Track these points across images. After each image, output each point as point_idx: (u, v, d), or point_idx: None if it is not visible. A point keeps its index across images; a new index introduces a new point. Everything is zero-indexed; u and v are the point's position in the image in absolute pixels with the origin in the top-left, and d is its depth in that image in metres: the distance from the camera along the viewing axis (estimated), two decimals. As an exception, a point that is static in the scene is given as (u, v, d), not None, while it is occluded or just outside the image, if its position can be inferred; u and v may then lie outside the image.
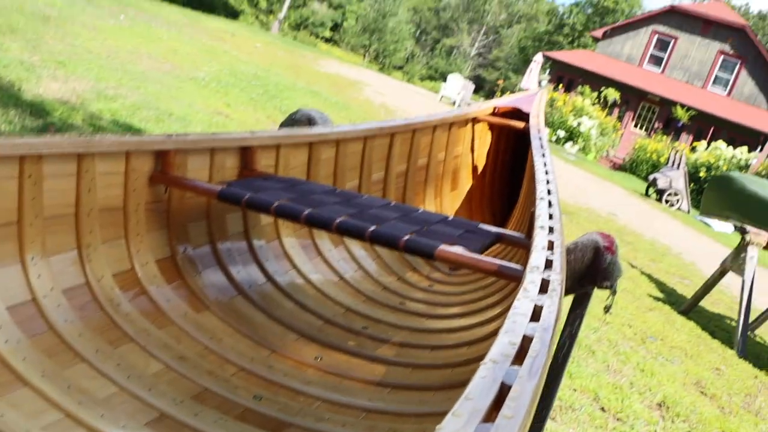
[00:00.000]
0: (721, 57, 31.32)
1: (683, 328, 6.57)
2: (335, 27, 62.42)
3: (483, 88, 68.05)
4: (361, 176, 2.66)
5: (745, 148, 26.21)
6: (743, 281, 6.59)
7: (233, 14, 42.78)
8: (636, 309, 6.59)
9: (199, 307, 1.99)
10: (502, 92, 39.02)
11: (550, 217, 1.82)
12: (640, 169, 26.58)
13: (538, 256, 1.40)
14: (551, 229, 1.68)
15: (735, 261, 6.75)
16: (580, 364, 4.47)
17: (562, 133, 27.72)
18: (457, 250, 1.63)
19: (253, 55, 16.25)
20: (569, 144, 27.50)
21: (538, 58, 28.55)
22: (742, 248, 6.68)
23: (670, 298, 7.73)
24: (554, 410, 3.76)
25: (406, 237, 1.66)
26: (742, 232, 6.69)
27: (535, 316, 1.05)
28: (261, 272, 2.19)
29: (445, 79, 29.72)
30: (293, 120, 2.71)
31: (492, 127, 3.48)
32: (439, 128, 3.07)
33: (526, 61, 31.03)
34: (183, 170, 2.01)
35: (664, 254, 10.52)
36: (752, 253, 6.56)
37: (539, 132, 2.88)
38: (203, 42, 14.96)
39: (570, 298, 2.40)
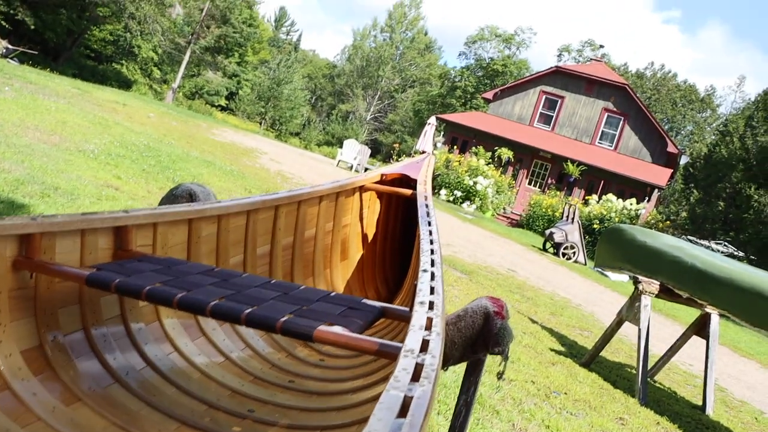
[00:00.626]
0: (606, 114, 32.64)
1: (586, 381, 6.62)
2: (230, 95, 62.48)
3: (380, 151, 68.88)
4: (246, 252, 2.55)
5: (633, 200, 27.22)
6: (639, 330, 6.71)
7: (126, 84, 42.29)
8: (539, 364, 6.61)
9: (70, 399, 1.84)
10: (399, 155, 39.52)
11: (432, 291, 1.75)
12: (536, 224, 27.21)
13: (413, 337, 1.33)
14: (431, 305, 1.61)
15: (630, 311, 6.89)
16: (485, 425, 4.42)
17: (459, 193, 28.18)
18: (336, 330, 1.55)
19: (145, 125, 15.98)
20: (467, 203, 27.96)
21: (432, 121, 29.07)
22: (636, 298, 6.83)
23: (572, 350, 7.81)
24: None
25: (284, 318, 1.57)
26: (635, 282, 6.84)
27: (404, 409, 0.99)
28: (140, 357, 2.04)
29: (341, 145, 29.91)
30: (174, 196, 2.60)
31: (380, 195, 3.45)
32: (326, 198, 2.99)
33: (421, 124, 31.61)
34: (51, 253, 1.87)
35: (563, 307, 10.68)
36: (645, 302, 6.71)
37: (426, 199, 2.83)
38: (94, 113, 14.62)
39: (464, 366, 2.35)
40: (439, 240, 2.30)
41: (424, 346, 1.27)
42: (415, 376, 1.11)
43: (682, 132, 66.25)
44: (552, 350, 7.47)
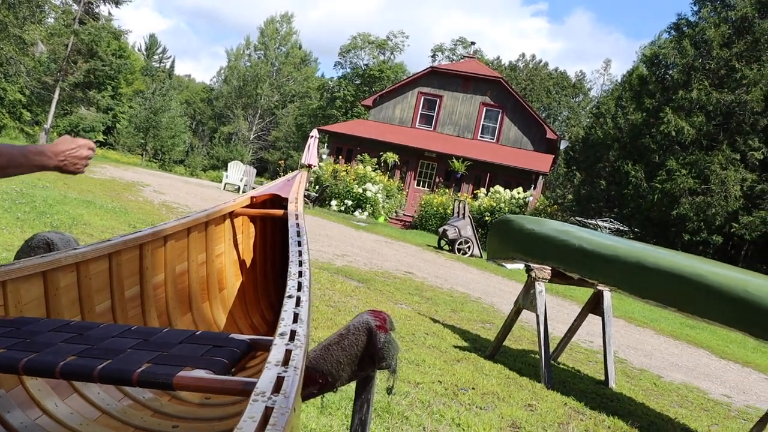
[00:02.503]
0: (484, 108, 33.33)
1: (492, 373, 6.68)
2: (108, 130, 60.80)
3: (267, 169, 68.35)
4: (113, 297, 2.40)
5: (520, 189, 27.86)
6: (537, 316, 6.83)
7: (-5, 132, 40.54)
8: (444, 363, 6.64)
9: None
10: (285, 171, 39.26)
11: (295, 319, 1.66)
12: (429, 224, 27.50)
13: (266, 376, 1.22)
14: (293, 335, 1.51)
15: (526, 298, 7.00)
16: (395, 433, 4.39)
17: (349, 202, 28.21)
18: (198, 374, 1.44)
19: (16, 172, 15.29)
20: (359, 211, 28.02)
21: (315, 134, 29.00)
22: (530, 285, 6.95)
23: (476, 345, 7.88)
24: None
25: (140, 369, 1.44)
26: (527, 269, 6.96)
27: None
28: (3, 428, 1.88)
29: (227, 168, 29.54)
30: (29, 248, 2.42)
31: (253, 218, 3.33)
32: (195, 230, 2.86)
33: (305, 138, 31.51)
34: None
35: (463, 303, 10.79)
36: (540, 288, 6.83)
37: (297, 218, 2.74)
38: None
39: (353, 386, 2.30)
40: (309, 260, 2.20)
41: (278, 386, 1.18)
42: (263, 423, 1.02)
43: (559, 118, 68.34)
44: (456, 347, 7.52)
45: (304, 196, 21.69)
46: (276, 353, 1.34)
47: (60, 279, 2.12)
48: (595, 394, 6.78)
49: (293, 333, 1.49)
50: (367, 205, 28.25)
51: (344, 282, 10.17)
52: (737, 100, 24.21)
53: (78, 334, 1.68)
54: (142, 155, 59.06)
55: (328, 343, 2.13)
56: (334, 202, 28.42)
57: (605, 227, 28.42)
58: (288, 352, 1.35)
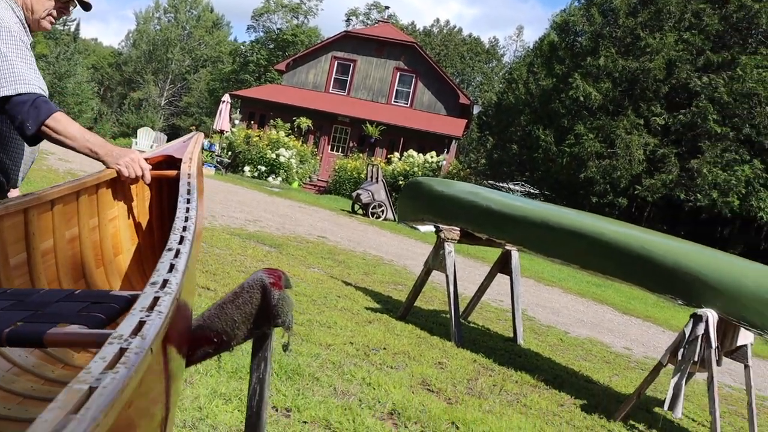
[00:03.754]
0: (398, 73, 33.34)
1: (403, 333, 6.76)
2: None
3: (179, 135, 66.96)
4: (28, 249, 2.33)
5: (434, 153, 28.08)
6: (447, 276, 6.93)
7: None
8: (356, 324, 6.68)
9: None
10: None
11: (171, 269, 1.59)
12: (343, 188, 27.49)
13: (129, 321, 1.15)
14: (165, 283, 1.45)
15: (436, 259, 7.09)
16: (305, 394, 4.40)
17: (263, 168, 27.96)
18: (72, 329, 1.39)
19: None
20: (272, 177, 27.80)
21: (226, 98, 28.59)
22: (439, 246, 7.03)
23: (387, 306, 7.96)
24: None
25: (10, 328, 1.39)
26: (437, 230, 7.04)
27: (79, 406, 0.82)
28: None
29: (136, 135, 28.85)
30: None
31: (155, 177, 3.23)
32: (84, 193, 2.75)
33: (217, 103, 30.99)
34: None
35: (376, 265, 10.86)
36: (449, 248, 6.93)
37: (189, 177, 2.67)
38: None
39: (250, 345, 2.29)
40: (196, 217, 2.14)
41: (138, 329, 1.13)
42: (113, 363, 0.96)
43: (473, 83, 68.95)
44: (368, 309, 7.58)
45: (217, 162, 21.25)
46: (143, 300, 1.29)
47: None
48: (503, 350, 6.94)
49: (165, 282, 1.44)
50: (281, 171, 28.05)
51: (256, 247, 10.10)
52: (641, 68, 24.84)
53: None
54: (47, 122, 57.03)
55: (222, 302, 2.11)
56: (247, 168, 28.10)
57: (517, 190, 28.94)
58: (155, 299, 1.31)
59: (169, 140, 33.92)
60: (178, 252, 1.73)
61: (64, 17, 2.90)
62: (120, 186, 2.91)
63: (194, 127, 36.11)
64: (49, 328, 1.37)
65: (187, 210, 2.19)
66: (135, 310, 1.22)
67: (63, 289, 1.79)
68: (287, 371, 4.76)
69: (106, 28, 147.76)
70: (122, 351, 1.00)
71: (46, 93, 2.45)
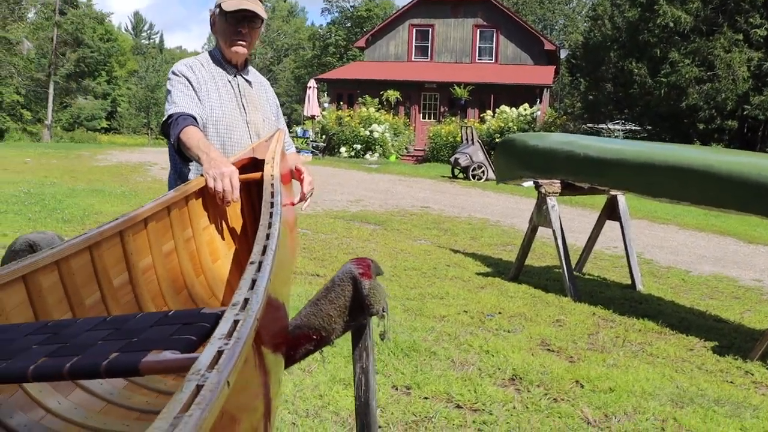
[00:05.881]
0: (478, 30, 32.80)
1: (517, 294, 6.66)
2: (110, 115, 60.64)
3: (275, 127, 67.83)
4: (101, 289, 2.35)
5: (526, 105, 27.54)
6: (553, 231, 6.77)
7: (-1, 135, 40.48)
8: (468, 292, 6.62)
9: None
10: (289, 125, 39.07)
11: (252, 286, 1.57)
12: (441, 154, 27.30)
13: (207, 352, 1.13)
14: (245, 304, 1.43)
15: (540, 215, 6.93)
16: (423, 370, 4.38)
17: (358, 146, 28.07)
18: (165, 356, 1.37)
19: (23, 173, 15.33)
20: (368, 154, 27.89)
21: (312, 84, 28.81)
22: (541, 201, 6.87)
23: (498, 269, 7.85)
24: (410, 427, 3.65)
25: (108, 360, 1.39)
26: (537, 186, 6.88)
27: None
28: None
29: (231, 133, 29.34)
30: (13, 252, 2.39)
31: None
32: (175, 207, 2.79)
33: (305, 90, 31.24)
34: None
35: (482, 228, 10.75)
36: (551, 202, 6.76)
37: (272, 178, 2.64)
38: (-37, 176, 13.97)
39: (349, 337, 2.28)
40: (280, 222, 2.11)
41: (216, 361, 1.11)
42: (188, 404, 0.95)
43: (556, 27, 67.23)
44: (479, 274, 7.50)
45: (312, 147, 21.45)
46: (223, 325, 1.27)
47: (41, 280, 2.06)
48: (623, 299, 6.75)
49: (246, 301, 1.42)
50: (377, 147, 28.10)
51: (360, 227, 10.15)
52: (732, -22, 23.65)
53: (53, 334, 1.63)
54: (147, 134, 58.98)
55: (316, 299, 2.11)
56: (343, 149, 28.28)
57: (617, 129, 28.16)
58: (235, 323, 1.28)
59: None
60: (260, 265, 1.70)
61: (246, 38, 3.13)
62: (207, 195, 2.92)
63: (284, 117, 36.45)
64: (143, 356, 1.37)
65: (271, 216, 2.17)
66: (214, 338, 1.20)
67: (157, 312, 1.79)
68: (403, 349, 4.75)
69: (189, 34, 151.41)
70: (198, 388, 0.98)
71: (196, 115, 2.94)
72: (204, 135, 2.98)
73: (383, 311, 2.08)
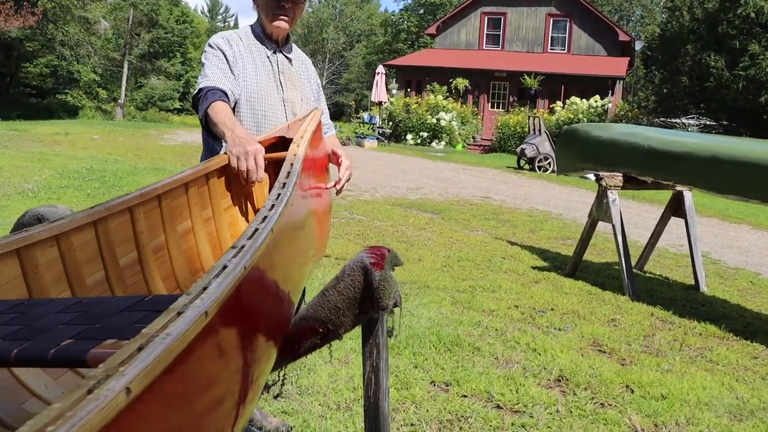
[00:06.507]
0: (551, 19, 32.18)
1: (572, 290, 6.41)
2: (183, 96, 61.49)
3: (344, 113, 68.19)
4: (106, 267, 2.21)
5: (597, 97, 26.91)
6: (613, 226, 6.48)
7: (74, 112, 41.39)
8: (521, 286, 6.40)
9: None
10: (356, 111, 39.08)
11: (218, 273, 1.39)
12: (508, 145, 26.90)
13: (123, 351, 1.00)
14: (200, 293, 1.25)
15: (600, 209, 6.65)
16: (465, 366, 4.19)
17: (425, 134, 27.84)
18: (115, 347, 1.21)
19: (89, 149, 15.56)
20: (435, 142, 27.65)
21: (381, 69, 28.63)
22: (602, 195, 6.59)
23: (555, 263, 7.60)
24: (445, 426, 3.47)
25: (57, 348, 1.25)
26: (598, 179, 6.60)
27: None
28: None
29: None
30: (21, 224, 2.28)
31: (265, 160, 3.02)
32: (193, 184, 2.62)
33: (374, 76, 31.08)
34: None
35: (543, 221, 10.45)
36: (612, 196, 6.47)
37: (293, 160, 2.43)
38: (32, 151, 14.22)
39: (359, 332, 2.09)
40: (284, 206, 1.91)
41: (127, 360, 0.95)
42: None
43: (633, 19, 65.70)
44: (534, 268, 7.26)
45: (378, 134, 21.30)
46: (162, 317, 1.12)
47: (38, 255, 1.94)
48: (684, 300, 6.42)
49: (203, 289, 1.25)
50: (443, 135, 27.82)
51: (417, 215, 9.98)
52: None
53: (20, 314, 1.51)
54: (218, 115, 59.55)
55: (324, 289, 1.93)
56: (409, 137, 28.08)
57: (692, 125, 27.32)
58: (177, 315, 1.12)
59: (335, 119, 34.33)
60: (240, 250, 1.51)
61: (289, 13, 2.98)
62: (230, 174, 2.76)
63: (353, 103, 36.46)
64: (93, 345, 1.22)
65: (278, 197, 1.99)
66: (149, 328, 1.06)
67: (133, 297, 1.63)
68: (446, 343, 4.57)
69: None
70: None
71: (227, 89, 2.80)
72: (232, 111, 2.86)
73: (395, 306, 1.90)
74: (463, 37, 33.68)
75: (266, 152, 2.73)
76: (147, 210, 2.34)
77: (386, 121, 29.49)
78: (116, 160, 13.47)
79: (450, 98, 29.17)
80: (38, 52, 39.38)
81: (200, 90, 2.79)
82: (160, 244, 2.42)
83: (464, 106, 29.63)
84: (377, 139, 26.12)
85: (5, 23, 30.10)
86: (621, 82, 31.62)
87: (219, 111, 2.68)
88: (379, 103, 28.92)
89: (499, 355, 4.48)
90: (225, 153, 2.62)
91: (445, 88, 29.39)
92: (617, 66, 29.38)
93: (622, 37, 31.16)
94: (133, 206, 2.26)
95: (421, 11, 62.90)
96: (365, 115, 31.02)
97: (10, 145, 15.15)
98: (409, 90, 31.27)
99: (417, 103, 28.88)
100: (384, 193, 12.27)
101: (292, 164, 2.33)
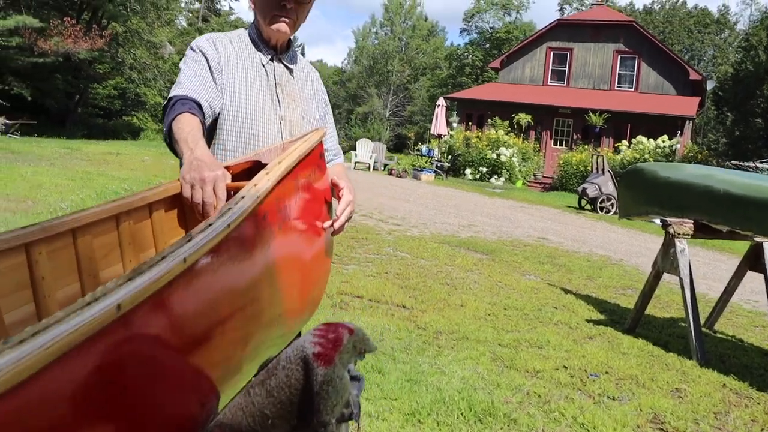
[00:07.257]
0: (619, 56, 31.33)
1: (631, 351, 5.65)
2: (246, 123, 62.02)
3: (406, 145, 67.82)
4: (36, 299, 1.61)
5: (665, 137, 25.91)
6: (681, 279, 5.72)
7: (136, 134, 41.83)
8: (572, 342, 5.67)
9: None
10: (415, 143, 38.61)
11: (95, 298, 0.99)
12: (570, 183, 26.05)
13: None
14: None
15: (666, 259, 5.89)
16: (496, 446, 3.51)
17: (484, 169, 27.16)
18: None
19: (136, 170, 15.31)
20: (494, 177, 26.93)
21: (441, 102, 28.11)
22: (669, 243, 5.84)
23: (613, 316, 6.83)
24: None
25: None
26: (665, 226, 5.85)
27: None
28: None
29: (355, 148, 28.99)
30: None
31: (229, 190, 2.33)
32: (128, 217, 1.95)
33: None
34: None
35: (601, 267, 9.65)
36: (681, 245, 5.71)
37: (253, 188, 1.72)
38: (77, 170, 14.00)
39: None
40: (173, 263, 1.23)
41: None
42: None
43: (704, 58, 64.22)
44: (589, 321, 6.51)
45: (436, 167, 20.78)
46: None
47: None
48: (763, 369, 5.59)
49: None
50: (503, 171, 27.10)
51: (466, 255, 9.30)
52: None
53: None
54: (280, 143, 59.86)
55: (250, 385, 1.27)
56: (468, 171, 27.42)
57: (766, 169, 26.10)
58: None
59: (397, 151, 33.90)
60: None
61: (291, 15, 2.46)
62: (188, 204, 2.10)
63: (412, 135, 35.95)
64: None
65: (209, 225, 1.39)
66: None
67: None
68: (477, 412, 3.89)
69: (332, 48, 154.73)
70: None
71: (202, 100, 2.26)
72: (214, 130, 2.35)
73: (346, 419, 1.25)
74: (528, 72, 33.03)
75: (238, 179, 2.12)
76: (58, 249, 1.73)
77: (445, 154, 28.90)
78: (161, 182, 13.12)
79: (512, 133, 28.46)
80: (108, 74, 39.90)
81: (170, 99, 2.27)
82: (73, 294, 1.82)
83: (526, 142, 28.89)
84: (435, 172, 25.53)
85: (74, 44, 30.51)
86: (690, 122, 30.49)
87: (183, 125, 2.12)
88: (439, 136, 28.36)
89: (538, 429, 3.78)
90: (178, 179, 2.01)
91: (507, 123, 28.71)
92: (687, 105, 28.33)
93: (693, 76, 30.10)
94: (31, 242, 1.65)
95: (487, 45, 62.56)
96: (423, 148, 30.42)
97: (57, 162, 14.97)
98: (470, 124, 30.67)
99: (477, 137, 28.24)
100: (433, 229, 11.62)
101: (238, 202, 1.66)
